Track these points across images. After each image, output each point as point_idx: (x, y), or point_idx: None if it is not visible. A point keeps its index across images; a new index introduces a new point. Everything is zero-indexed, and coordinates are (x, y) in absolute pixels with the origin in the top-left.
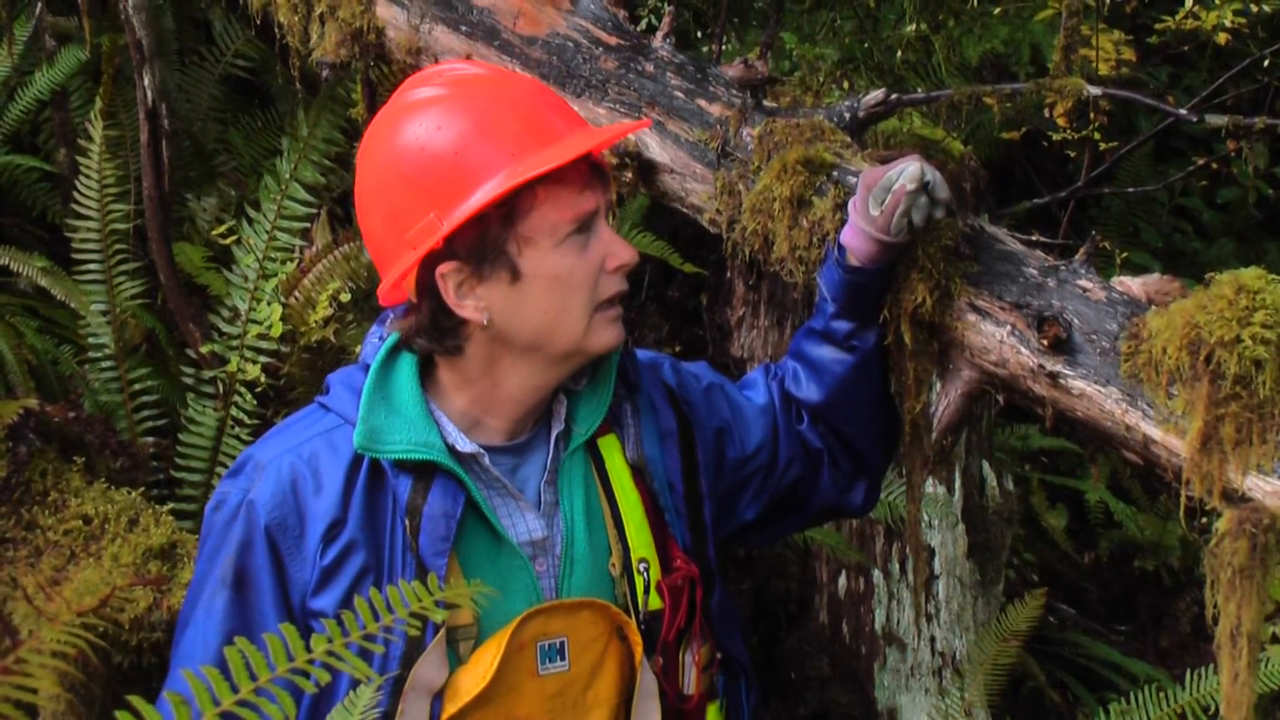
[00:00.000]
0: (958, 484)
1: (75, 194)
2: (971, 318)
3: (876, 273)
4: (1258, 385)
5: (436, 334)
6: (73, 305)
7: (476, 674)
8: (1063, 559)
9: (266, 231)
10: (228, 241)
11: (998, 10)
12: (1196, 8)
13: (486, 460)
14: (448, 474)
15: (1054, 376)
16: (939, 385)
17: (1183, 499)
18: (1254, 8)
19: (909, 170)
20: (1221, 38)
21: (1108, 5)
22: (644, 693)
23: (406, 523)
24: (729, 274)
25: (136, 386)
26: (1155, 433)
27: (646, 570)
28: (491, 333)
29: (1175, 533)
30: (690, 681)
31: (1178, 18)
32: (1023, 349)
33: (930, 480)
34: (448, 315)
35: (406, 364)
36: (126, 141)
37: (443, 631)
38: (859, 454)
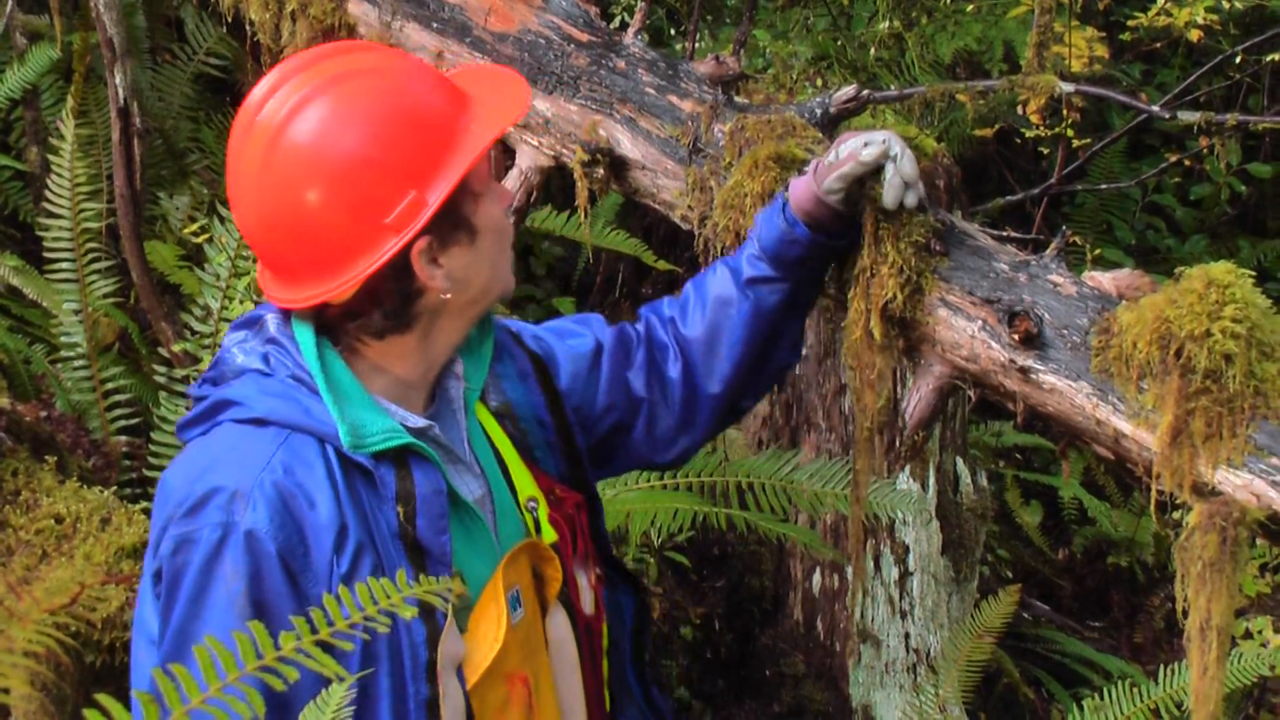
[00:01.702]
0: (931, 480)
1: (47, 192)
2: (943, 313)
3: (809, 240)
4: (1227, 379)
5: (398, 314)
6: (45, 304)
7: (488, 638)
8: (1037, 555)
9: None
10: (200, 240)
11: (970, 7)
12: (1169, 5)
13: (437, 430)
14: (417, 454)
15: (1025, 371)
16: (911, 380)
17: (1154, 493)
18: (1225, 4)
19: (872, 147)
20: (1194, 34)
21: (1080, 2)
22: (554, 609)
23: (400, 510)
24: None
25: (109, 385)
26: (1126, 427)
27: (535, 508)
28: (443, 298)
29: (1149, 529)
30: (589, 602)
31: (1150, 14)
32: (994, 344)
33: (904, 476)
34: (413, 292)
35: (333, 355)
36: (98, 140)
37: (449, 609)
38: (694, 408)
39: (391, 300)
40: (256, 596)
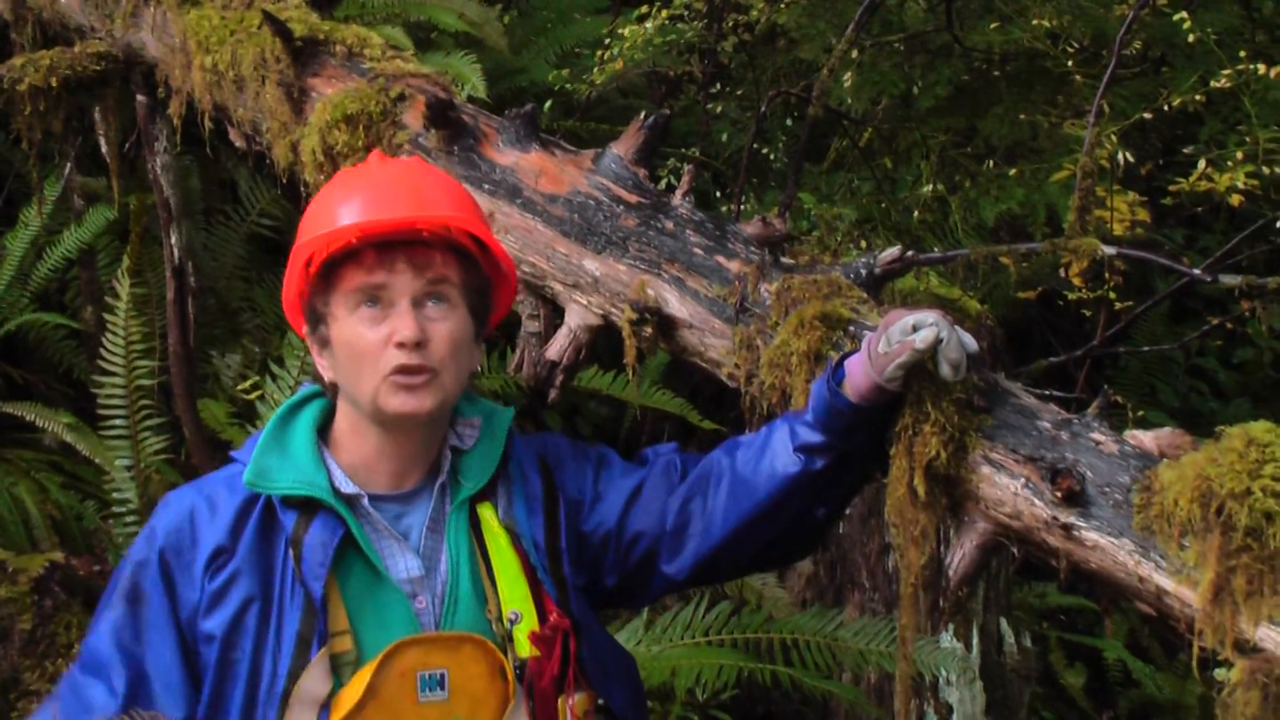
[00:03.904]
0: (975, 640)
1: (101, 350)
2: (986, 470)
3: (862, 410)
4: (1268, 537)
5: (329, 392)
6: (98, 460)
7: (354, 692)
8: (1081, 718)
9: (290, 387)
10: (252, 397)
11: (1013, 172)
12: (1210, 170)
13: (365, 502)
14: (329, 510)
15: (1068, 528)
16: (954, 537)
17: (1196, 650)
18: (1266, 170)
19: (925, 332)
20: (1235, 199)
21: (1122, 167)
22: (513, 718)
23: (291, 552)
24: (747, 430)
25: None
26: (1168, 584)
27: (517, 619)
28: (339, 389)
29: (1194, 691)
30: None
31: (1191, 179)
32: (1037, 501)
33: (948, 636)
34: (322, 375)
35: (307, 415)
36: (152, 299)
37: (325, 650)
38: (723, 543)
39: (320, 378)
40: (136, 581)
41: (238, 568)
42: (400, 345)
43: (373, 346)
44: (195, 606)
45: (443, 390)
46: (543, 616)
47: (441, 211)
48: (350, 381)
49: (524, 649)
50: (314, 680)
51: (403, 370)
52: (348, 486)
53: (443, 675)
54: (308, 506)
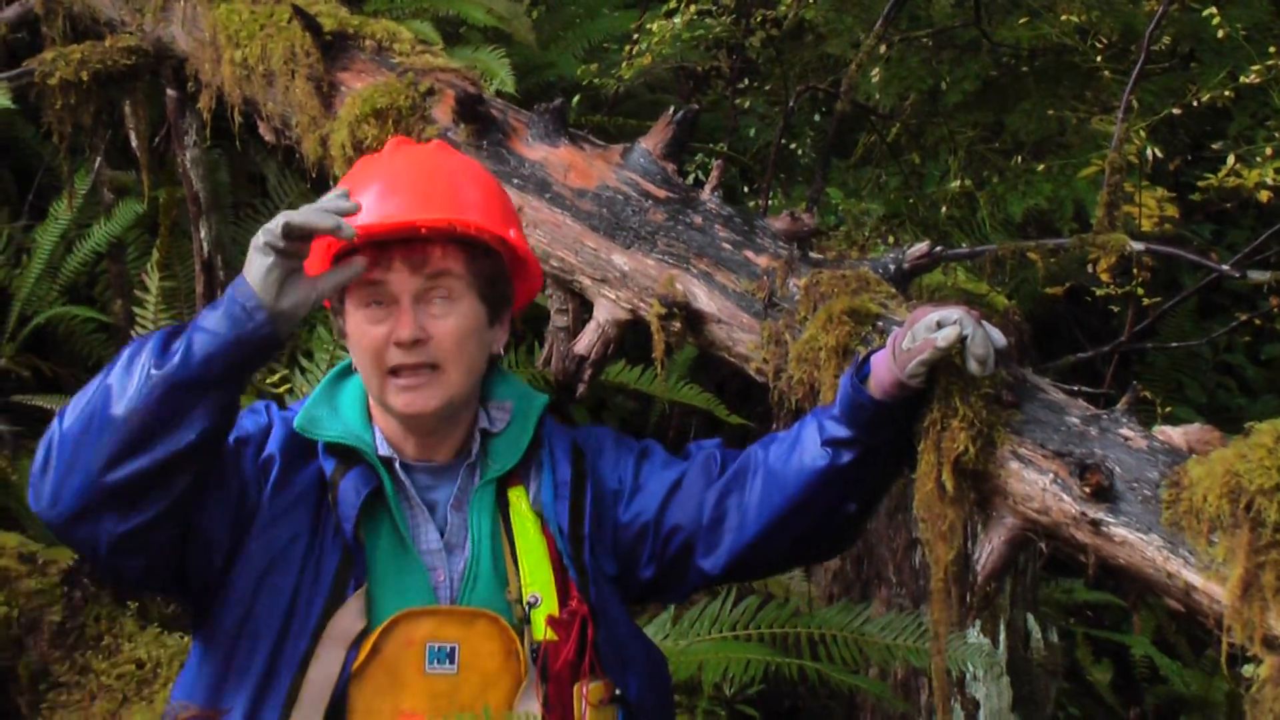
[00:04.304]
0: (1002, 636)
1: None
2: (1014, 465)
3: (886, 405)
4: None
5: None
6: None
7: (359, 654)
8: (1108, 714)
9: (318, 380)
10: (280, 390)
11: (1041, 167)
12: (1239, 165)
13: (397, 465)
14: (368, 465)
15: (1096, 524)
16: (982, 533)
17: (1224, 646)
18: None
19: (948, 330)
20: (1264, 195)
21: (1151, 163)
22: (524, 698)
23: (330, 494)
24: (775, 425)
25: None
26: (1196, 580)
27: (536, 602)
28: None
29: (1221, 688)
30: (585, 714)
31: (1220, 175)
32: (1065, 496)
33: (975, 631)
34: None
35: (358, 380)
36: (181, 293)
37: (363, 590)
38: (758, 538)
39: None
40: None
41: (287, 501)
42: (398, 344)
43: (376, 344)
44: (253, 482)
45: (448, 386)
46: (564, 602)
47: (447, 210)
48: (362, 375)
49: (541, 632)
50: (348, 618)
51: (401, 370)
52: (384, 449)
53: (453, 649)
54: (348, 457)
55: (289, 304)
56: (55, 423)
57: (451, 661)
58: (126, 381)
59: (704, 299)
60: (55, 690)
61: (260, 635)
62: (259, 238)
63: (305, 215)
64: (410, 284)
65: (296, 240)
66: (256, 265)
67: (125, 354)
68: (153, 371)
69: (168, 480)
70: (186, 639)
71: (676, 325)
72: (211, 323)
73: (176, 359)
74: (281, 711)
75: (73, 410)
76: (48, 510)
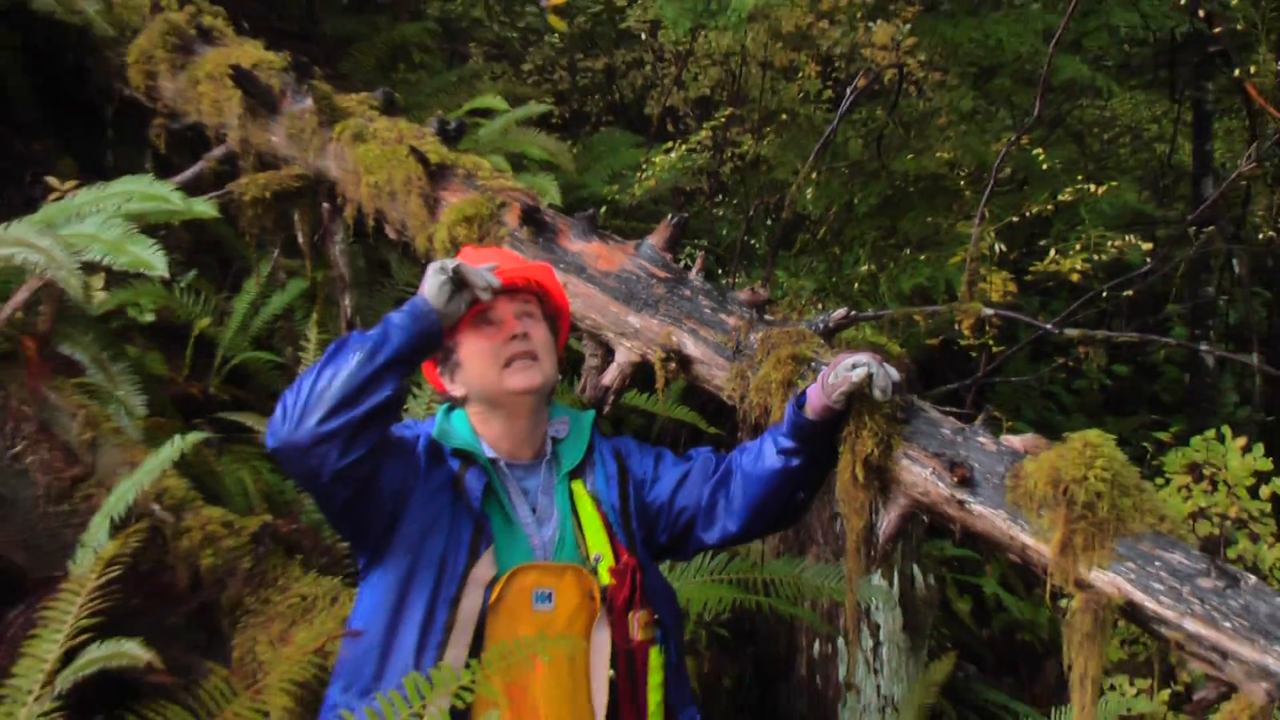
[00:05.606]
0: (896, 580)
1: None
2: (905, 462)
3: (818, 423)
4: (1099, 509)
5: (453, 405)
6: None
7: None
8: (968, 633)
9: (427, 402)
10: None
11: (923, 257)
12: (1058, 257)
13: (501, 463)
14: (480, 466)
15: (961, 503)
16: (883, 509)
17: (1048, 587)
18: (1096, 257)
19: (860, 369)
20: (1075, 277)
21: (998, 254)
22: (598, 627)
23: (456, 486)
24: (740, 435)
25: None
26: (1030, 541)
27: (599, 559)
28: (468, 397)
29: (1045, 614)
30: (636, 630)
31: (1045, 263)
32: (940, 484)
33: (877, 576)
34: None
35: (461, 411)
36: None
37: (492, 548)
38: (739, 518)
39: (451, 399)
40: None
41: (433, 488)
42: (513, 337)
43: (494, 345)
44: (411, 468)
45: (544, 370)
46: (617, 557)
47: (529, 274)
48: (478, 377)
49: (604, 579)
50: (484, 567)
51: (514, 359)
52: (488, 452)
53: (550, 593)
54: (467, 460)
55: (450, 309)
56: (288, 394)
57: (550, 602)
58: (341, 364)
59: (691, 347)
60: (246, 615)
61: (422, 584)
62: (436, 266)
63: (469, 269)
64: (510, 309)
65: (458, 277)
66: (432, 283)
67: (329, 351)
68: (360, 355)
69: (368, 429)
70: (335, 581)
71: (672, 365)
72: (399, 319)
73: (377, 342)
74: (443, 634)
75: (301, 387)
76: (287, 447)
